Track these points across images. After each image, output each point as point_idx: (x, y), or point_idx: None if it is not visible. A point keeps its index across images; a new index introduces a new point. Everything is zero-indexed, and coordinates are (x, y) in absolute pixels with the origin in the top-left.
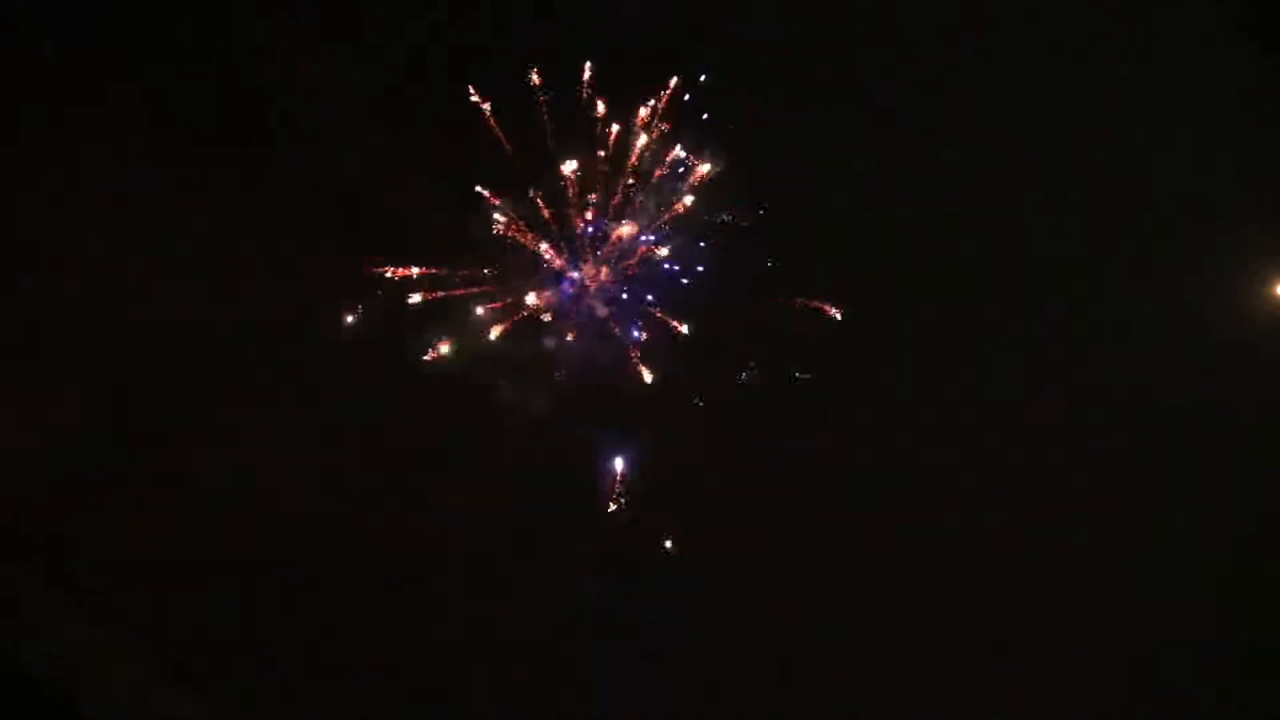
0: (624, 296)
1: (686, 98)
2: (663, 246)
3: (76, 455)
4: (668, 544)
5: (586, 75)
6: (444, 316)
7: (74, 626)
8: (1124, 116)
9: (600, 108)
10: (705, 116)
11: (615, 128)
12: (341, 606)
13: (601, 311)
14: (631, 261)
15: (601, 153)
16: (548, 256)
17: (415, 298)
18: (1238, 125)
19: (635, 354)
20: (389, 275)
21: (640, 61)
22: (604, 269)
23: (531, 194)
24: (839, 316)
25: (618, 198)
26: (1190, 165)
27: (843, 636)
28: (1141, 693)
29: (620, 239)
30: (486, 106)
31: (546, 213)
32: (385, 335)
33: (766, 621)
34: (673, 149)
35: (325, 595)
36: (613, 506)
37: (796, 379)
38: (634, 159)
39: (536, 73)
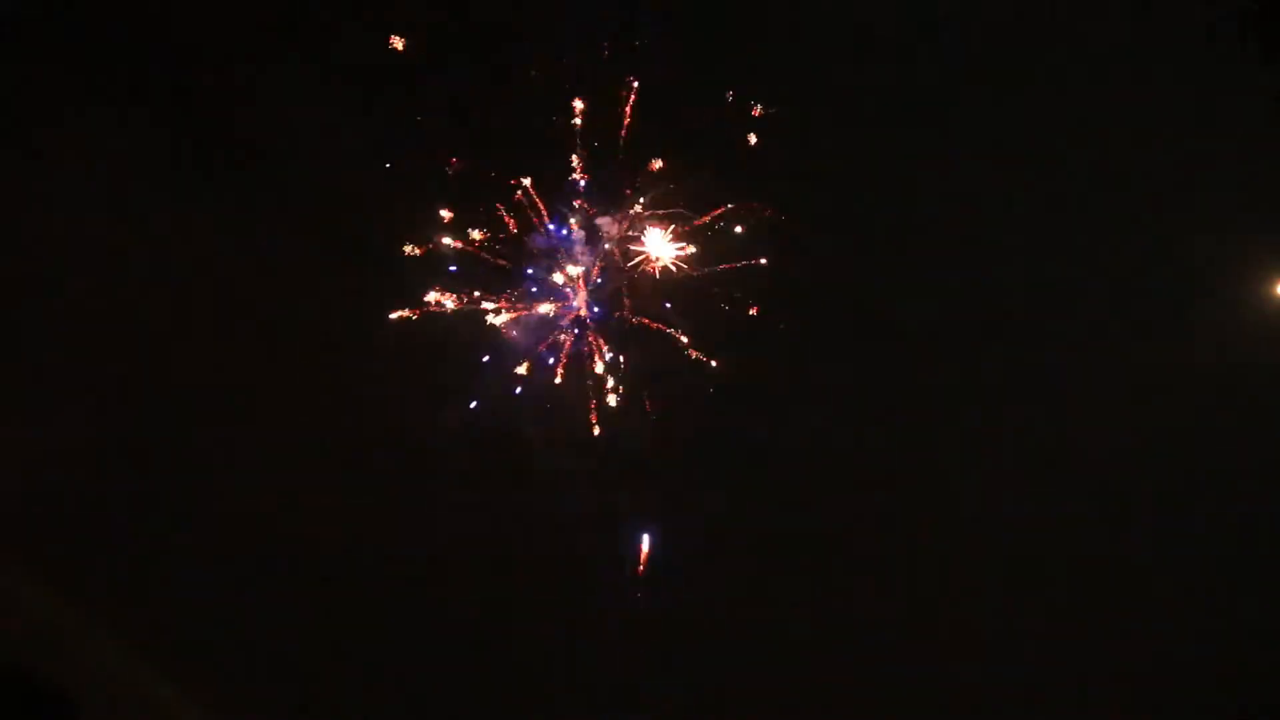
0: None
1: None
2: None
3: (80, 458)
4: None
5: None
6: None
7: (75, 628)
8: (1123, 117)
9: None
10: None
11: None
12: (342, 610)
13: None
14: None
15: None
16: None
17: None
18: (1238, 125)
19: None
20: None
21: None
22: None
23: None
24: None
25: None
26: (1190, 166)
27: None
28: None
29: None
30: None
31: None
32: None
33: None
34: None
35: (325, 598)
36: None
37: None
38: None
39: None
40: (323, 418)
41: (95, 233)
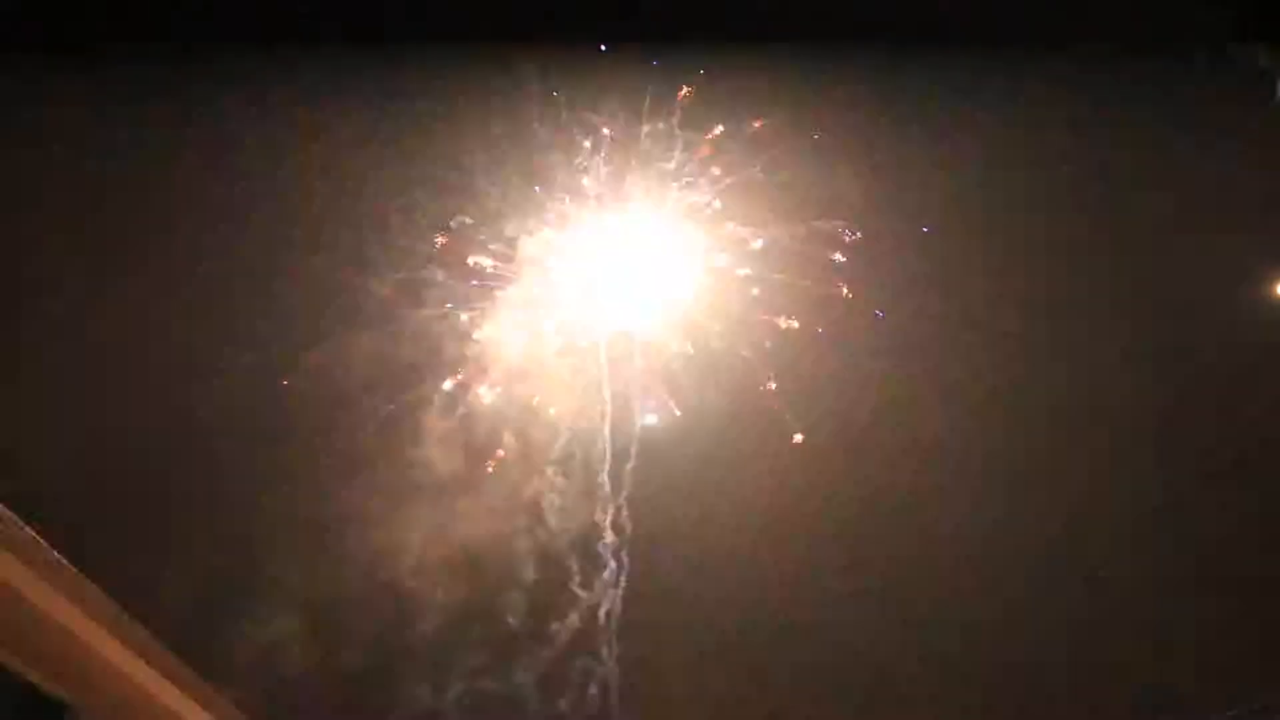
0: None
1: None
2: None
3: (81, 460)
4: None
5: None
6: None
7: (75, 628)
8: (1123, 116)
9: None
10: None
11: None
12: (341, 611)
13: None
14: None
15: None
16: None
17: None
18: (1237, 125)
19: None
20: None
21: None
22: None
23: None
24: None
25: None
26: (1190, 165)
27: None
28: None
29: None
30: None
31: None
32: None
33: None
34: None
35: (324, 599)
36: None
37: None
38: None
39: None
40: (324, 419)
41: (91, 233)
